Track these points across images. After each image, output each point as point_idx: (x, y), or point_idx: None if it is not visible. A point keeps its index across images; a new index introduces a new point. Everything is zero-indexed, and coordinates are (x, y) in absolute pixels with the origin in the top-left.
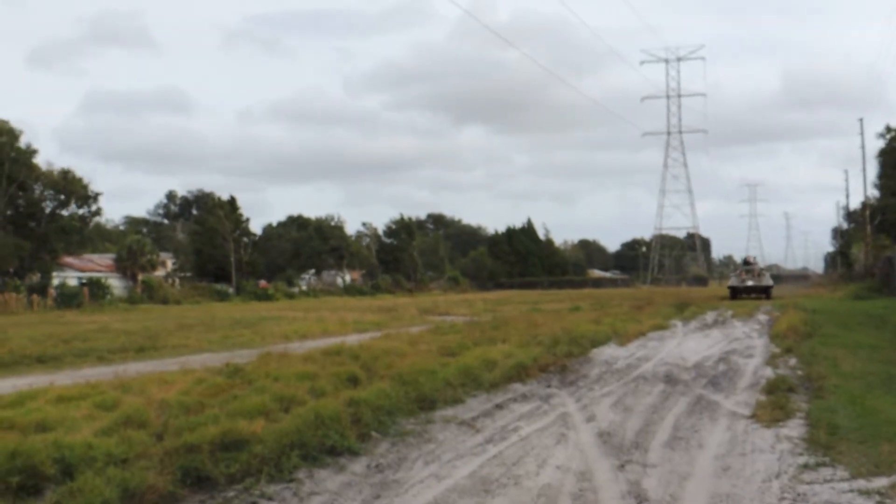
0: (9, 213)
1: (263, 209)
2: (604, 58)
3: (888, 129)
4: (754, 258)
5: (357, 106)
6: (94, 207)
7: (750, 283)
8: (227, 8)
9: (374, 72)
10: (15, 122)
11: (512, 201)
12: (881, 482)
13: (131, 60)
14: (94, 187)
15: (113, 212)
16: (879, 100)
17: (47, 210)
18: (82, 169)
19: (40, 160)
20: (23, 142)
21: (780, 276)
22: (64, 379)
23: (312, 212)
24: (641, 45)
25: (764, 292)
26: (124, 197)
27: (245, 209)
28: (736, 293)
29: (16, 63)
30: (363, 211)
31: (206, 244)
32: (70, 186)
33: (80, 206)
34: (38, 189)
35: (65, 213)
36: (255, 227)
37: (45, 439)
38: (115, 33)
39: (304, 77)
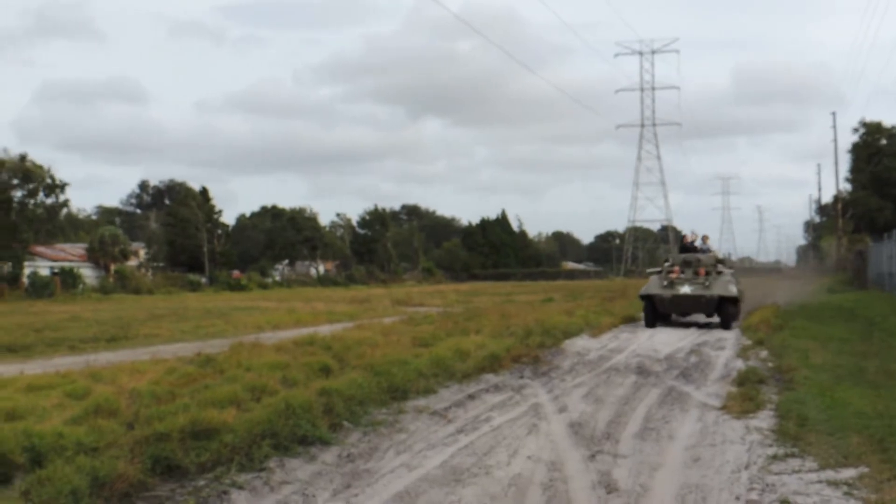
0: None
1: (226, 200)
2: (562, 51)
3: (862, 124)
4: (703, 239)
5: (315, 97)
6: (61, 198)
7: (686, 289)
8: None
9: (331, 63)
10: None
11: (481, 193)
12: (849, 473)
13: (80, 51)
14: (58, 177)
15: (77, 202)
16: (852, 95)
17: (15, 199)
18: (43, 159)
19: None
20: None
21: (752, 269)
22: (34, 368)
23: (277, 202)
24: (602, 39)
25: (716, 311)
26: (85, 187)
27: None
28: (658, 310)
29: None
30: (327, 202)
31: (179, 234)
32: (32, 174)
33: (48, 196)
34: (5, 176)
35: (33, 202)
36: (223, 218)
37: (14, 428)
38: (62, 25)
39: (259, 68)
